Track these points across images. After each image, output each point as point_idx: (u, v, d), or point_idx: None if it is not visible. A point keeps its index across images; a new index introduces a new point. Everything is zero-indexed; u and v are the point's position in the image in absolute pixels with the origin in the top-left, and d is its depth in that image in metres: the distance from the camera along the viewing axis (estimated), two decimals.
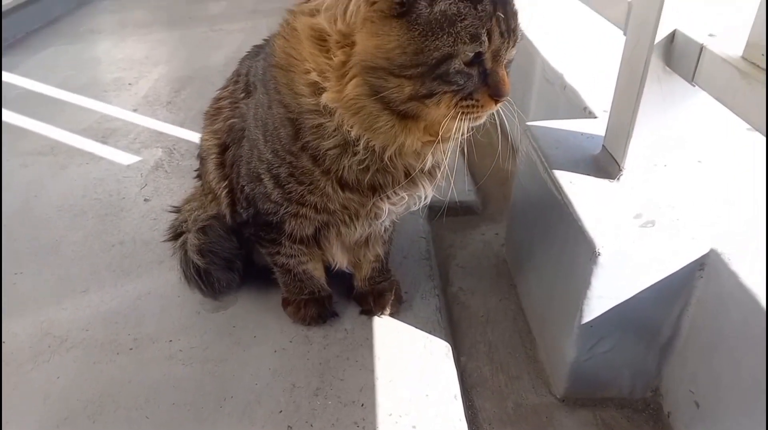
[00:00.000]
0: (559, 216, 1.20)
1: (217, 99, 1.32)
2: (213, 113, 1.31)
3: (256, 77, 1.15)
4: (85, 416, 1.17)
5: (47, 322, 1.40)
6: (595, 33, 1.92)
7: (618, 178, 1.20)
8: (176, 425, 1.16)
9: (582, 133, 1.39)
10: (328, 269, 1.38)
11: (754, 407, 0.93)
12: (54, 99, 2.62)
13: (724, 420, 1.02)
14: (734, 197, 1.14)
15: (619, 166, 1.19)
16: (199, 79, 2.78)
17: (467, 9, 0.81)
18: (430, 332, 1.35)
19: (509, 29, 0.86)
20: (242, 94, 1.21)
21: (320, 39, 0.91)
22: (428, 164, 1.04)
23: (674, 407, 1.18)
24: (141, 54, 3.15)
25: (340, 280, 1.42)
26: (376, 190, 1.06)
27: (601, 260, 1.05)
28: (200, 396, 1.21)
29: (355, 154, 1.00)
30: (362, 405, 1.18)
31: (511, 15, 0.86)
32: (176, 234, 1.48)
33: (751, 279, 0.94)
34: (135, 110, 2.50)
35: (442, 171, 1.11)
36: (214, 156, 1.29)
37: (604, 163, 1.25)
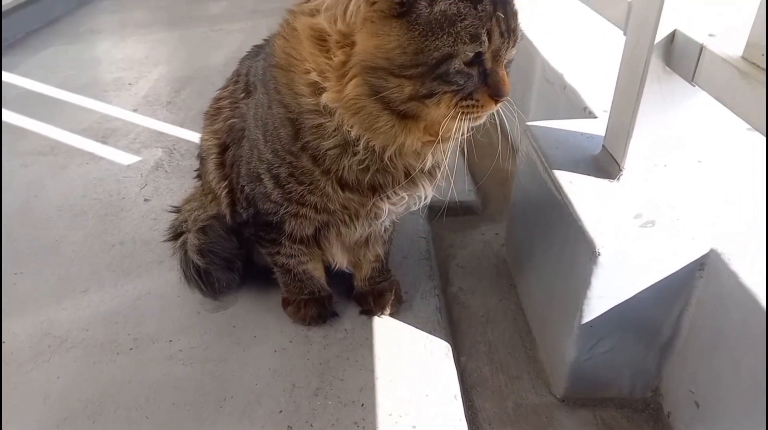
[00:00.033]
0: (559, 216, 1.20)
1: (217, 99, 1.32)
2: (213, 113, 1.31)
3: (256, 77, 1.15)
4: (85, 416, 1.17)
5: (47, 322, 1.40)
6: (595, 33, 1.92)
7: (618, 178, 1.20)
8: (176, 425, 1.16)
9: (582, 133, 1.39)
10: (328, 269, 1.38)
11: (754, 406, 0.93)
12: (54, 99, 2.62)
13: (724, 420, 1.02)
14: (734, 197, 1.14)
15: (619, 166, 1.19)
16: (199, 79, 2.78)
17: (467, 9, 0.81)
18: (430, 332, 1.35)
19: (509, 29, 0.86)
20: (242, 94, 1.21)
21: (320, 39, 0.91)
22: (428, 164, 1.04)
23: (674, 407, 1.18)
24: (141, 54, 3.15)
25: (340, 280, 1.42)
26: (376, 190, 1.06)
27: (601, 260, 1.05)
28: (200, 396, 1.21)
29: (355, 154, 1.00)
30: (362, 405, 1.18)
31: (511, 15, 0.86)
32: (176, 234, 1.48)
33: (751, 279, 0.94)
34: (135, 110, 2.50)
35: (442, 171, 1.11)
36: (214, 156, 1.29)
37: (604, 163, 1.25)
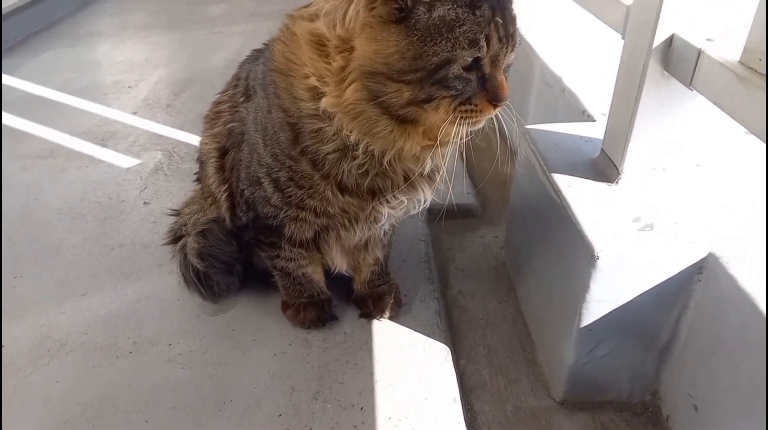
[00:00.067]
0: (557, 219, 1.21)
1: (217, 103, 1.32)
2: (212, 117, 1.32)
3: (255, 81, 1.16)
4: (85, 419, 1.17)
5: (47, 325, 1.40)
6: (594, 36, 1.92)
7: (617, 182, 1.20)
8: (176, 428, 1.16)
9: (581, 137, 1.39)
10: (327, 273, 1.38)
11: (753, 410, 0.94)
12: (54, 102, 2.62)
13: (722, 424, 1.03)
14: (732, 201, 1.14)
15: (618, 170, 1.20)
16: (199, 82, 2.78)
17: (466, 14, 0.81)
18: (429, 335, 1.36)
19: (508, 34, 0.86)
20: (242, 98, 1.22)
21: (319, 44, 0.92)
22: (427, 168, 1.05)
23: (673, 411, 1.18)
24: (141, 57, 3.15)
25: (339, 283, 1.43)
26: (375, 194, 1.07)
27: (599, 263, 1.05)
28: (200, 400, 1.21)
29: (354, 159, 1.00)
30: (361, 409, 1.18)
31: (509, 20, 0.87)
32: (176, 237, 1.49)
33: (750, 283, 0.94)
34: (135, 113, 2.50)
35: (441, 175, 1.11)
36: (213, 160, 1.29)
37: (602, 166, 1.25)
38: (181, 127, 2.36)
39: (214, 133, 1.29)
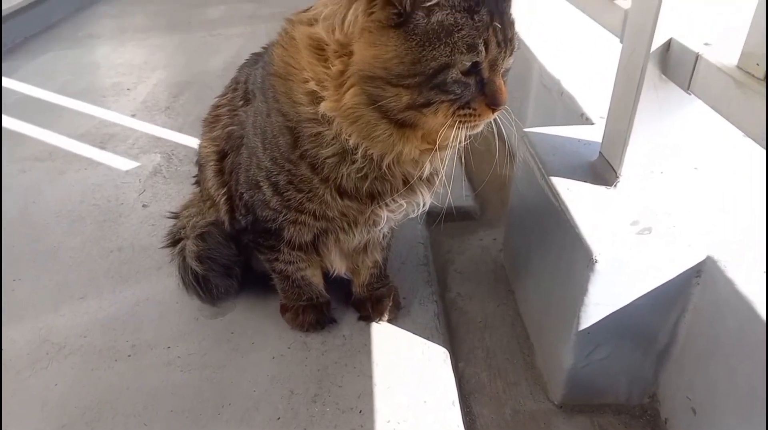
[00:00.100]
0: (556, 223, 1.21)
1: (216, 106, 1.32)
2: (211, 120, 1.32)
3: (254, 85, 1.16)
4: (83, 423, 1.17)
5: (45, 328, 1.40)
6: (592, 39, 1.92)
7: (615, 185, 1.20)
8: None
9: (579, 140, 1.39)
10: (326, 276, 1.38)
11: (751, 414, 0.94)
12: (52, 104, 2.62)
13: (720, 427, 1.03)
14: (730, 205, 1.14)
15: (616, 174, 1.20)
16: (198, 84, 2.78)
17: (464, 19, 0.81)
18: (428, 338, 1.36)
19: (506, 39, 0.86)
20: (241, 102, 1.22)
21: (318, 48, 0.92)
22: (426, 172, 1.05)
23: (671, 414, 1.18)
24: (140, 59, 3.16)
25: (338, 286, 1.43)
26: (374, 197, 1.07)
27: (598, 267, 1.06)
28: (198, 403, 1.21)
29: (353, 163, 1.00)
30: (360, 412, 1.18)
31: (507, 25, 0.87)
32: (175, 240, 1.49)
33: (747, 286, 0.95)
34: (133, 115, 2.50)
35: (440, 178, 1.11)
36: (212, 163, 1.29)
37: (601, 170, 1.26)
38: (180, 130, 2.36)
39: (213, 136, 1.29)
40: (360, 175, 1.02)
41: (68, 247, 1.68)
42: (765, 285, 0.93)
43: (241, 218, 1.23)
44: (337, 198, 1.06)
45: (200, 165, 1.39)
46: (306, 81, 0.95)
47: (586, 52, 1.89)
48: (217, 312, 1.44)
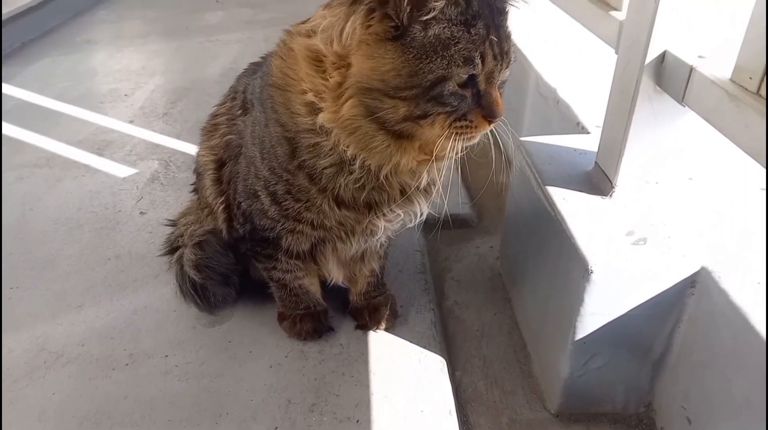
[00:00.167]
0: (552, 232, 1.22)
1: (214, 115, 1.33)
2: (210, 129, 1.32)
3: (253, 95, 1.17)
4: None
5: (43, 337, 1.40)
6: (589, 49, 1.94)
7: (610, 195, 1.21)
8: None
9: (575, 149, 1.40)
10: (323, 284, 1.38)
11: (746, 424, 0.94)
12: (50, 110, 2.62)
13: None
14: (725, 215, 1.15)
15: (612, 184, 1.21)
16: (196, 91, 2.78)
17: (461, 33, 0.82)
18: (425, 347, 1.36)
19: (502, 52, 0.87)
20: (239, 111, 1.23)
21: (316, 60, 0.93)
22: (424, 182, 1.06)
23: (667, 423, 1.19)
24: (137, 65, 3.16)
25: (335, 295, 1.43)
26: (372, 207, 1.08)
27: (593, 277, 1.06)
28: (196, 412, 1.21)
29: (351, 173, 1.01)
30: (357, 421, 1.19)
31: (504, 38, 0.88)
32: (172, 248, 1.49)
33: (742, 297, 0.95)
34: (131, 122, 2.51)
35: (437, 188, 1.12)
36: (210, 172, 1.30)
37: (596, 179, 1.26)
38: (178, 136, 2.36)
39: (211, 145, 1.30)
40: (357, 185, 1.03)
41: (66, 255, 1.68)
42: (765, 297, 0.94)
43: (239, 226, 1.24)
44: (335, 208, 1.07)
45: (198, 173, 1.39)
46: (304, 92, 0.96)
47: (583, 61, 1.90)
48: (214, 321, 1.44)
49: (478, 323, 1.52)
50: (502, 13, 0.89)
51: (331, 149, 0.99)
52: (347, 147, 0.95)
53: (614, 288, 1.08)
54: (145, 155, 2.24)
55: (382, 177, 1.00)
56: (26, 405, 1.23)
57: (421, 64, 0.82)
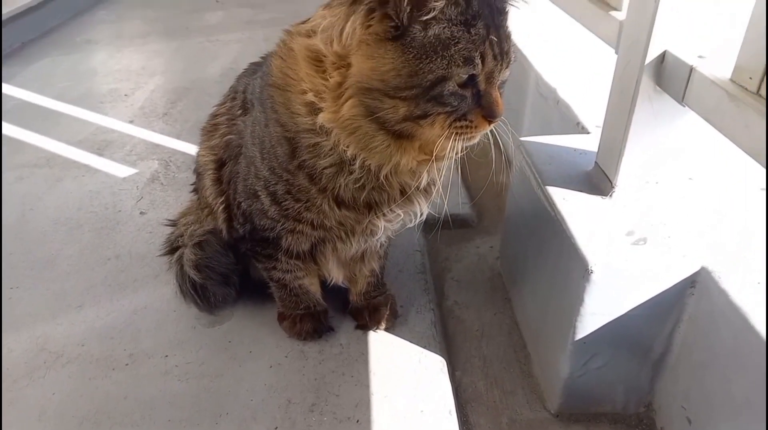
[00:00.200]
0: (552, 232, 1.22)
1: (214, 115, 1.33)
2: (210, 129, 1.32)
3: (253, 95, 1.17)
4: None
5: (43, 337, 1.40)
6: (589, 48, 1.94)
7: (610, 195, 1.21)
8: None
9: (575, 149, 1.40)
10: (323, 284, 1.38)
11: (746, 424, 0.94)
12: (50, 110, 2.62)
13: None
14: (725, 215, 1.15)
15: (612, 184, 1.21)
16: (196, 91, 2.78)
17: (461, 33, 0.82)
18: (425, 347, 1.36)
19: (502, 52, 0.87)
20: (239, 111, 1.23)
21: (316, 60, 0.93)
22: (424, 182, 1.06)
23: (667, 423, 1.19)
24: (137, 65, 3.16)
25: (335, 294, 1.43)
26: (372, 207, 1.08)
27: (593, 277, 1.06)
28: (196, 412, 1.21)
29: (351, 173, 1.01)
30: (357, 421, 1.19)
31: (504, 38, 0.88)
32: (172, 248, 1.49)
33: (741, 297, 0.95)
34: (131, 122, 2.51)
35: (437, 188, 1.12)
36: (210, 172, 1.30)
37: (596, 179, 1.26)
38: (178, 136, 2.36)
39: (211, 145, 1.30)
40: (357, 185, 1.03)
41: (66, 255, 1.68)
42: (765, 297, 0.93)
43: (239, 226, 1.24)
44: (335, 208, 1.07)
45: (198, 173, 1.39)
46: (304, 92, 0.96)
47: (583, 61, 1.90)
48: (214, 321, 1.44)
49: (478, 323, 1.52)
50: (502, 13, 0.89)
51: (331, 149, 0.99)
52: (347, 147, 0.95)
53: (614, 288, 1.08)
54: (145, 155, 2.24)
55: (382, 177, 1.00)
56: (26, 405, 1.23)
57: (421, 64, 0.82)
